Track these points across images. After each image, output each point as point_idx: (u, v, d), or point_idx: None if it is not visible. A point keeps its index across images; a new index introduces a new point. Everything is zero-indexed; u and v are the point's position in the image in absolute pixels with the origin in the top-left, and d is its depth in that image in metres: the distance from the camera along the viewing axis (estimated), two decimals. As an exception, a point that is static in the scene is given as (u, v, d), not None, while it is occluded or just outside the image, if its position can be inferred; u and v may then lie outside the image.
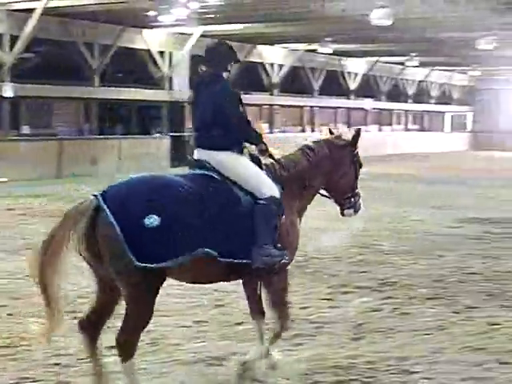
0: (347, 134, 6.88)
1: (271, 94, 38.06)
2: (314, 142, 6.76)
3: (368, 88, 45.74)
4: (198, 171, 6.04)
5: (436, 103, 53.22)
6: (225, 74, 6.25)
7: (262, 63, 37.15)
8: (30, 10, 24.58)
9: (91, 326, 5.72)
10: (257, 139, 6.28)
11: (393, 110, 49.29)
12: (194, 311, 8.37)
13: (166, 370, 6.41)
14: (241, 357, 6.40)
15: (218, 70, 6.21)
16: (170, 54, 32.27)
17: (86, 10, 25.19)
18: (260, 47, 35.83)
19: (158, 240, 5.41)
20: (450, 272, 10.75)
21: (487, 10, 24.58)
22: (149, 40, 31.00)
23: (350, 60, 42.43)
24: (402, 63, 44.22)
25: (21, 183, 21.85)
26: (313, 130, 41.00)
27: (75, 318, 6.40)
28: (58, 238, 5.51)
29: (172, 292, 8.31)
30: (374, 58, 42.83)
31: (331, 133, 6.89)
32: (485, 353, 7.04)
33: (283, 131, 37.64)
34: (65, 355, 6.74)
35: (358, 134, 6.80)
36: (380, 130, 47.09)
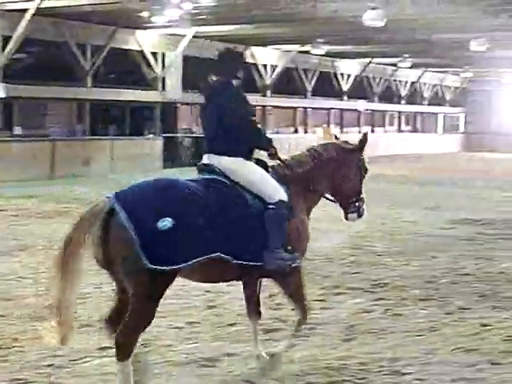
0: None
1: (264, 95, 38.05)
2: (322, 145, 6.85)
3: (361, 89, 45.77)
4: (207, 176, 6.13)
5: (429, 104, 53.27)
6: (235, 82, 6.36)
7: (254, 64, 37.14)
8: (23, 11, 24.51)
9: (114, 325, 5.76)
10: (267, 144, 6.39)
11: (386, 111, 49.34)
12: (186, 312, 8.36)
13: (159, 371, 6.40)
14: (270, 349, 6.49)
15: (228, 78, 6.34)
16: (163, 55, 32.24)
17: (78, 10, 25.12)
18: (253, 48, 35.81)
19: (171, 243, 5.47)
20: (442, 273, 10.77)
21: (480, 11, 24.61)
22: (142, 41, 30.97)
23: (342, 61, 42.45)
24: (394, 64, 44.28)
25: (13, 184, 21.77)
26: (306, 132, 41.02)
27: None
28: (75, 241, 5.54)
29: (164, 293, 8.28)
30: (367, 60, 42.87)
31: (336, 138, 6.98)
32: (477, 354, 7.05)
33: (276, 132, 37.62)
34: (57, 356, 6.71)
35: (365, 138, 6.89)
36: (373, 131, 47.11)
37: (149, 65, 31.76)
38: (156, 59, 31.94)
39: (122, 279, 5.62)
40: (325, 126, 42.80)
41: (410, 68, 45.17)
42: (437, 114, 55.19)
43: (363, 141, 6.87)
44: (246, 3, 24.43)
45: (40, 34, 27.05)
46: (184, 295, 8.81)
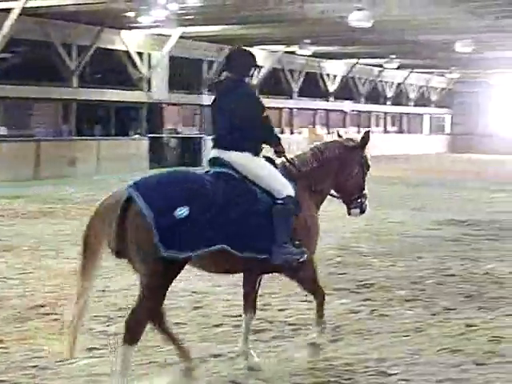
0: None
1: (250, 96, 37.97)
2: (325, 143, 7.01)
3: (347, 90, 45.85)
4: (218, 169, 6.23)
5: (415, 105, 53.42)
6: (246, 79, 6.52)
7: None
8: (8, 10, 24.40)
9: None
10: (276, 142, 6.53)
11: (372, 112, 49.44)
12: (172, 313, 8.32)
13: (145, 372, 6.38)
14: (306, 337, 6.66)
15: (239, 76, 6.44)
16: (149, 56, 32.20)
17: (64, 10, 25.02)
18: (239, 49, 35.75)
19: (186, 231, 5.62)
20: (428, 274, 10.79)
21: (466, 12, 24.70)
22: (127, 41, 30.90)
23: (329, 62, 42.49)
24: (380, 65, 44.36)
25: (-2, 184, 21.71)
26: (292, 132, 41.01)
27: (55, 319, 6.38)
28: (96, 232, 5.69)
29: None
30: (354, 60, 42.93)
31: (339, 136, 7.12)
32: (462, 354, 7.07)
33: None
34: (42, 357, 6.68)
35: (367, 136, 7.00)
36: (359, 132, 47.16)
37: (135, 65, 31.70)
38: (142, 59, 31.91)
39: (136, 266, 5.74)
40: (311, 126, 42.85)
41: (396, 69, 45.26)
42: (423, 114, 55.36)
43: (365, 138, 6.99)
44: (232, 4, 24.42)
45: (25, 34, 26.93)
46: (170, 296, 8.75)
